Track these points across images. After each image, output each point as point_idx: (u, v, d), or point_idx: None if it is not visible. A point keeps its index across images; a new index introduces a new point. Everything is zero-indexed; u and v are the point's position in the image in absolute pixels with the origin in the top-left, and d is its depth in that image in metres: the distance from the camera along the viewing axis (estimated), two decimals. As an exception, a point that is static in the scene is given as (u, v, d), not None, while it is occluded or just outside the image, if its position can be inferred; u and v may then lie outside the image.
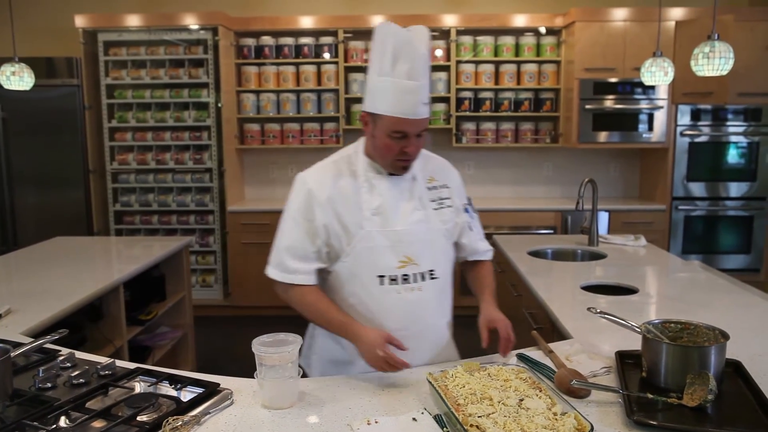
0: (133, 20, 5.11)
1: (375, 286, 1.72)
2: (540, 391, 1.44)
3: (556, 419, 1.33)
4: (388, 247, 1.71)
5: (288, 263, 1.74)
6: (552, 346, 1.81)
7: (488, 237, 2.13)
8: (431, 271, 1.76)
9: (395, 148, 1.67)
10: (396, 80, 1.62)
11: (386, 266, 1.72)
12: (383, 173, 1.75)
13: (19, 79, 3.60)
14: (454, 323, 1.93)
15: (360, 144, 1.81)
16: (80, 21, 5.10)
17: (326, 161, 1.82)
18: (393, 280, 1.72)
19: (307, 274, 1.75)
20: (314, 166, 1.81)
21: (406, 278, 1.73)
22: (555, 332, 2.14)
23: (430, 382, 1.48)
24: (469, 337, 1.97)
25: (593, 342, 1.87)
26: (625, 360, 1.65)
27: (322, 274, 1.80)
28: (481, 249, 1.95)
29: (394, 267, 1.72)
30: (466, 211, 1.90)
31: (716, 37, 2.79)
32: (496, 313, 1.76)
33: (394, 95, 1.62)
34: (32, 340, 1.78)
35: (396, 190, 1.75)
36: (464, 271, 2.01)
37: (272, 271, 1.77)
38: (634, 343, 1.67)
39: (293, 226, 1.75)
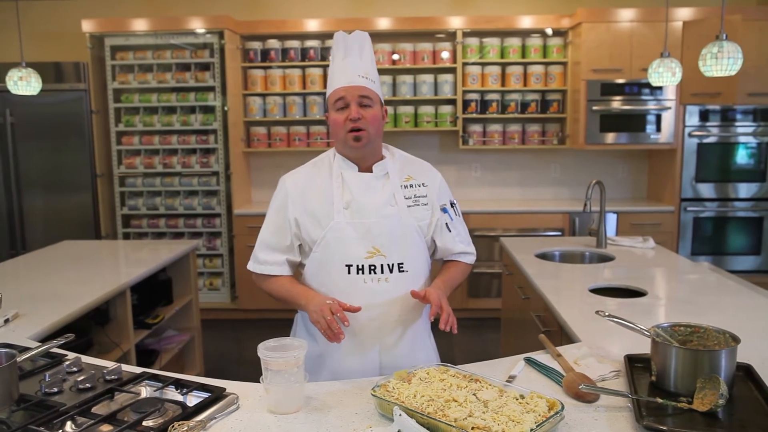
0: (140, 24, 5.13)
1: (343, 275, 1.78)
2: (479, 382, 1.47)
3: (526, 403, 1.36)
4: (357, 238, 1.78)
5: (260, 255, 1.88)
6: (560, 349, 1.80)
7: (495, 239, 2.11)
8: (400, 264, 1.80)
9: (342, 120, 1.78)
10: (334, 65, 1.82)
11: (354, 256, 1.77)
12: (354, 168, 1.84)
13: (27, 84, 3.62)
14: (460, 326, 1.87)
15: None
16: (87, 26, 5.12)
17: (307, 163, 1.95)
18: (360, 269, 1.77)
19: (278, 265, 1.86)
20: (296, 168, 1.94)
21: (373, 268, 1.78)
22: (563, 335, 2.13)
23: (381, 398, 1.41)
24: (470, 340, 1.95)
25: (602, 345, 1.85)
26: (634, 364, 1.64)
27: (299, 269, 1.90)
28: (455, 250, 1.94)
29: (362, 257, 1.77)
30: (444, 211, 1.91)
31: (724, 37, 2.77)
32: (433, 289, 1.77)
33: (333, 76, 1.82)
34: (39, 344, 1.78)
35: (368, 187, 1.82)
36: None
37: (249, 264, 1.91)
38: (644, 346, 1.66)
39: (269, 222, 1.89)
